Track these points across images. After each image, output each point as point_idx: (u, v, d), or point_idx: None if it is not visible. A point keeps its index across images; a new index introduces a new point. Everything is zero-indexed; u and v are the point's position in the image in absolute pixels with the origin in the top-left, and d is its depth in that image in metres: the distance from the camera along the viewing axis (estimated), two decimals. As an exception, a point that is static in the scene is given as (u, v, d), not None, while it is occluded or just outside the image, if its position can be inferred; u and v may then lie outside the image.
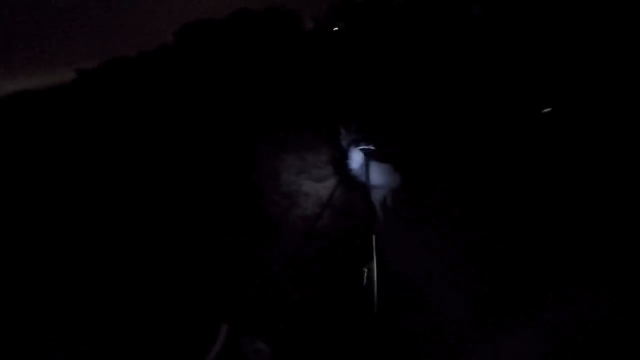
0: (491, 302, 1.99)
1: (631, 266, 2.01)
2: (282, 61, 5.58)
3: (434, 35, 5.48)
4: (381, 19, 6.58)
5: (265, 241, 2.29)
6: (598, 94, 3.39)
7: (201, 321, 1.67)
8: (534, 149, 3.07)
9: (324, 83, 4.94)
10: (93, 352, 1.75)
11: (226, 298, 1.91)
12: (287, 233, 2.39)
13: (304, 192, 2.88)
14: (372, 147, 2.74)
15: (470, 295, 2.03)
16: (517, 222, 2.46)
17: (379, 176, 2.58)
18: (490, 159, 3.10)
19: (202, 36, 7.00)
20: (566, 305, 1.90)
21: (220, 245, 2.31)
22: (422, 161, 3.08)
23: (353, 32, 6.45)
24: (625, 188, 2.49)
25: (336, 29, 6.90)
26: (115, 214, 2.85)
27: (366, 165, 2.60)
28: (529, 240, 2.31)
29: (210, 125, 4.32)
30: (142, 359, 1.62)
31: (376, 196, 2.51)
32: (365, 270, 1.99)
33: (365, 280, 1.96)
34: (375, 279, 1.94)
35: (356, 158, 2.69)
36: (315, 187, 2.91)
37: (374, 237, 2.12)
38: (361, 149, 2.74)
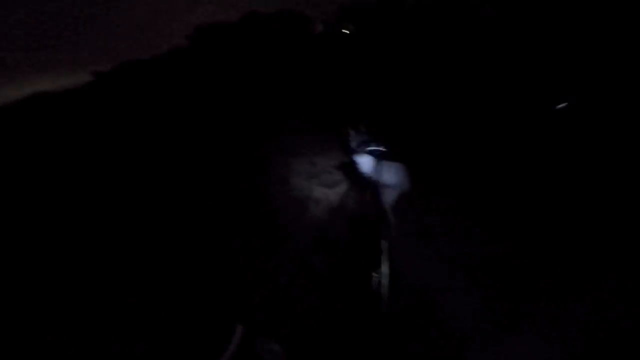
0: (502, 306, 1.96)
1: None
2: (292, 64, 5.62)
3: (444, 37, 5.44)
4: (391, 22, 6.57)
5: (276, 247, 2.30)
6: (612, 90, 3.32)
7: (217, 322, 1.70)
8: (549, 150, 3.01)
9: (334, 85, 4.95)
10: (109, 352, 1.79)
11: (241, 300, 1.94)
12: (298, 239, 2.39)
13: (315, 198, 2.86)
14: (383, 149, 2.69)
15: (481, 301, 2.00)
16: (530, 226, 2.42)
17: (390, 178, 2.53)
18: (501, 159, 3.06)
19: (214, 39, 7.11)
20: (581, 310, 1.86)
21: (232, 249, 2.34)
22: (434, 163, 3.07)
23: (363, 34, 6.46)
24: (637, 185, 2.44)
25: (346, 31, 6.92)
26: (131, 216, 2.91)
27: (377, 167, 2.56)
28: (541, 244, 2.27)
29: (220, 129, 4.36)
30: (159, 359, 1.66)
31: (387, 199, 2.47)
32: (375, 275, 1.98)
33: (374, 284, 1.96)
34: (385, 283, 1.93)
35: (367, 161, 2.64)
36: (326, 193, 2.89)
37: (384, 241, 2.10)
38: (372, 151, 2.69)
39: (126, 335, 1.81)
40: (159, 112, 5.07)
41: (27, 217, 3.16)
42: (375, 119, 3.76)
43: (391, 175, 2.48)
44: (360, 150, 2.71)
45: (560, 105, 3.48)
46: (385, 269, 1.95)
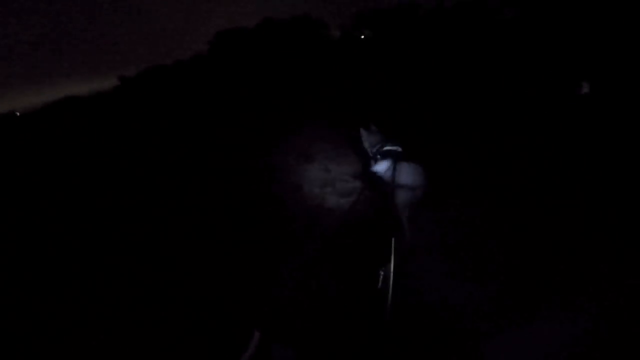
0: (507, 302, 1.92)
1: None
2: (308, 68, 5.68)
3: (460, 40, 5.37)
4: (408, 26, 6.54)
5: (288, 256, 2.29)
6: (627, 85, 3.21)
7: (233, 328, 1.72)
8: (567, 153, 2.94)
9: (349, 89, 4.96)
10: (124, 355, 1.85)
11: (257, 307, 1.96)
12: (310, 249, 2.36)
13: (328, 208, 2.82)
14: (399, 149, 2.63)
15: (487, 297, 1.97)
16: (541, 224, 2.36)
17: (407, 179, 2.47)
18: (512, 157, 2.98)
19: (233, 44, 7.32)
20: (588, 304, 1.82)
21: (244, 256, 2.36)
22: (449, 162, 3.02)
23: (380, 39, 6.46)
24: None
25: (362, 37, 6.95)
26: (145, 220, 3.01)
27: (393, 168, 2.50)
28: (550, 240, 2.22)
29: (235, 133, 4.44)
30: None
31: (403, 200, 2.40)
32: (382, 272, 1.95)
33: (380, 283, 1.93)
34: (390, 281, 1.90)
35: (382, 162, 2.57)
36: (339, 202, 2.83)
37: (394, 240, 2.06)
38: (387, 152, 2.62)
39: (141, 342, 1.86)
40: (178, 116, 5.24)
41: (46, 218, 3.33)
42: (388, 119, 3.74)
43: (408, 176, 2.42)
44: (374, 151, 2.66)
45: (583, 90, 3.42)
46: (392, 266, 1.91)
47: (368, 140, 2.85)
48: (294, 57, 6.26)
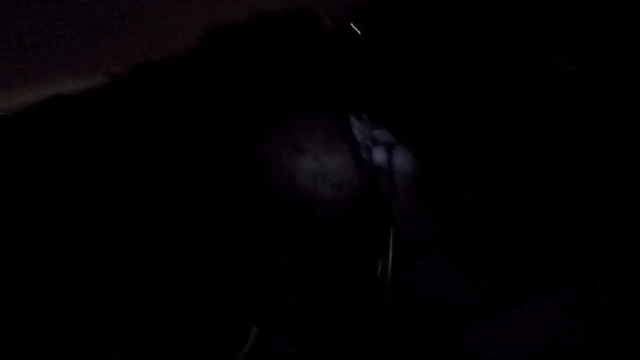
0: (497, 291, 1.96)
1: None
2: (301, 61, 5.62)
3: (454, 31, 5.35)
4: (402, 18, 6.48)
5: (283, 250, 2.28)
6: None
7: (232, 323, 1.71)
8: (556, 138, 2.96)
9: (342, 81, 4.93)
10: (123, 350, 1.83)
11: (254, 302, 1.96)
12: (306, 242, 2.35)
13: (322, 200, 2.79)
14: (391, 136, 2.62)
15: (476, 285, 2.00)
16: (531, 213, 2.39)
17: (399, 165, 2.47)
18: (513, 150, 3.00)
19: (224, 39, 7.17)
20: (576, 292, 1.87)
21: (238, 252, 2.34)
22: (440, 149, 3.02)
23: (374, 32, 6.39)
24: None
25: (356, 29, 6.86)
26: (137, 217, 2.97)
27: (386, 155, 2.49)
28: (538, 225, 2.26)
29: (225, 126, 4.39)
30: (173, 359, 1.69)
31: (397, 184, 2.40)
32: (380, 262, 1.96)
33: (379, 272, 1.94)
34: (389, 271, 1.91)
35: (376, 151, 2.56)
36: (334, 195, 2.82)
37: (392, 230, 2.07)
38: (377, 138, 2.61)
39: (139, 337, 1.85)
40: (169, 113, 5.15)
41: (39, 220, 3.27)
42: (381, 108, 3.71)
43: (401, 162, 2.41)
44: (365, 139, 2.65)
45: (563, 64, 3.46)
46: (390, 257, 1.93)
47: (358, 129, 2.84)
48: (286, 49, 6.18)
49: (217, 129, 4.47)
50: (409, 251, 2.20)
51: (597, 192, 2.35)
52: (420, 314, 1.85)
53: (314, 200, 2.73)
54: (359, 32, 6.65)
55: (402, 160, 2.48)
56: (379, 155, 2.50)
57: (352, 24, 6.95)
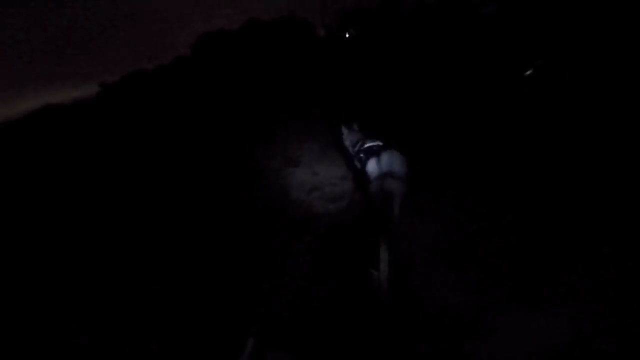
0: (498, 293, 1.96)
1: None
2: (293, 69, 5.65)
3: (444, 37, 5.44)
4: (392, 25, 6.58)
5: (270, 276, 2.22)
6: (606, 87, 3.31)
7: (227, 335, 1.70)
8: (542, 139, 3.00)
9: (336, 89, 4.96)
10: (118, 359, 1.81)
11: (250, 313, 1.94)
12: (299, 258, 2.30)
13: (316, 214, 2.62)
14: (380, 144, 2.60)
15: (477, 288, 2.00)
16: (526, 214, 2.42)
17: (390, 167, 2.43)
18: (499, 153, 3.03)
19: (216, 47, 7.21)
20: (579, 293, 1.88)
21: (231, 265, 2.32)
22: (431, 154, 3.04)
23: (364, 38, 6.48)
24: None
25: (348, 35, 6.96)
26: (133, 226, 2.94)
27: (377, 161, 2.47)
28: (538, 229, 2.27)
29: (219, 137, 4.35)
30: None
31: (390, 191, 2.36)
32: (374, 272, 1.96)
33: (374, 282, 1.93)
34: (384, 281, 1.90)
35: (370, 162, 2.54)
36: (328, 209, 2.65)
37: (383, 239, 2.06)
38: (369, 148, 2.60)
39: (135, 350, 1.82)
40: (162, 123, 5.13)
41: (37, 225, 3.23)
42: (375, 116, 3.72)
43: (391, 165, 2.38)
44: (356, 150, 2.63)
45: (528, 72, 3.54)
46: (384, 266, 1.92)
47: (349, 139, 2.82)
48: (279, 57, 6.22)
49: (211, 139, 4.45)
50: (408, 260, 2.19)
51: (596, 196, 2.35)
52: (420, 323, 1.83)
53: (309, 212, 2.65)
54: (351, 39, 6.74)
55: (396, 169, 2.46)
56: (372, 166, 2.48)
57: (344, 32, 7.05)
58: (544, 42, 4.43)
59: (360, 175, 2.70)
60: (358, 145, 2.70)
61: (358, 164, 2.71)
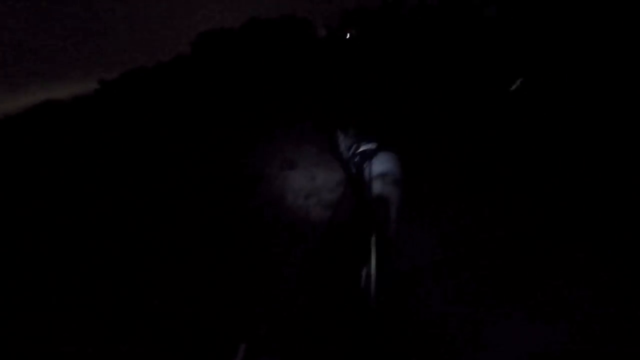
0: (490, 293, 1.95)
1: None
2: (294, 69, 5.63)
3: (444, 38, 5.41)
4: (393, 25, 6.56)
5: (264, 282, 2.20)
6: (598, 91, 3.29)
7: (219, 340, 1.70)
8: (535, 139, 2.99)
9: (335, 90, 4.94)
10: None
11: (243, 318, 1.93)
12: (290, 275, 2.26)
13: (312, 222, 2.62)
14: (375, 146, 2.58)
15: (470, 288, 2.00)
16: (518, 214, 2.41)
17: (384, 168, 2.41)
18: (491, 153, 3.01)
19: (216, 45, 7.19)
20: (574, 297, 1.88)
21: (224, 271, 2.30)
22: (425, 156, 3.02)
23: (365, 38, 6.46)
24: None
25: (348, 35, 6.94)
26: (126, 228, 2.93)
27: (371, 162, 2.45)
28: (529, 230, 2.27)
29: (217, 138, 4.32)
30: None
31: (383, 193, 2.34)
32: (364, 270, 1.94)
33: (363, 280, 1.92)
34: (373, 279, 1.89)
35: (366, 166, 2.52)
36: (324, 216, 2.65)
37: (374, 238, 2.04)
38: (364, 152, 2.58)
39: (126, 355, 1.82)
40: (159, 124, 5.12)
41: (34, 222, 3.22)
42: (373, 118, 3.69)
43: (385, 165, 2.36)
44: (350, 154, 2.61)
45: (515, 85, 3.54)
46: (373, 264, 1.90)
47: (344, 143, 2.79)
48: (280, 58, 6.20)
49: (209, 140, 4.43)
50: (404, 267, 2.17)
51: (594, 206, 2.33)
52: (417, 332, 1.82)
53: (305, 219, 2.61)
54: (351, 39, 6.72)
55: (391, 172, 2.43)
56: (367, 170, 2.44)
57: (344, 32, 7.03)
58: (543, 45, 4.40)
59: (355, 180, 2.69)
60: (353, 149, 2.68)
61: (353, 168, 2.70)
